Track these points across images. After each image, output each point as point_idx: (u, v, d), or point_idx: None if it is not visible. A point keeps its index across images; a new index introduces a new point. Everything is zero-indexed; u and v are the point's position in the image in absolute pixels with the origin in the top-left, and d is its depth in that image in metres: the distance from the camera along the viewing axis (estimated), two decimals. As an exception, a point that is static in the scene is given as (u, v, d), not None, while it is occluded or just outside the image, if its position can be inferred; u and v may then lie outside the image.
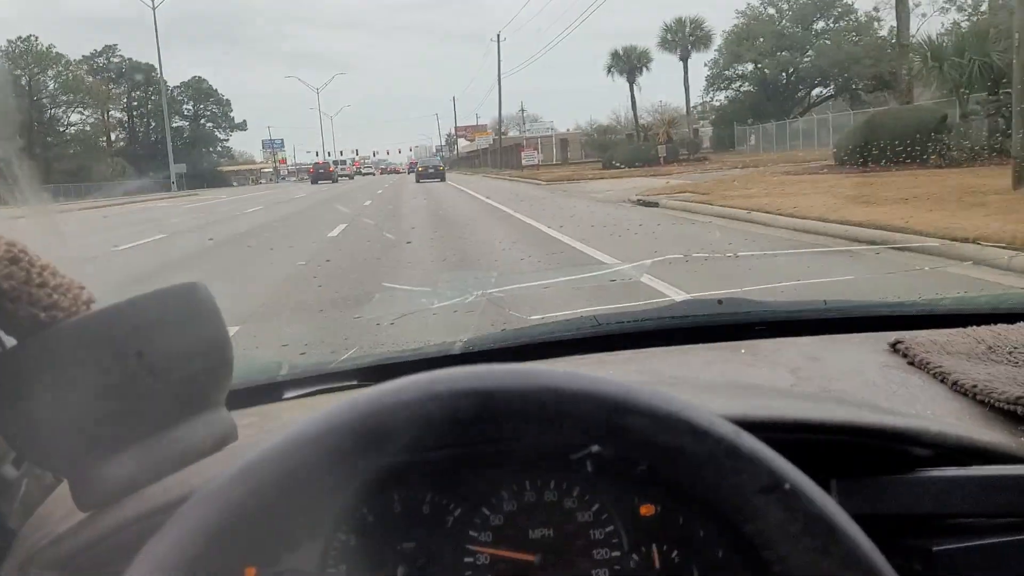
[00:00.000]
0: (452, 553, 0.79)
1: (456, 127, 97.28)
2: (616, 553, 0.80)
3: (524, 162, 46.64)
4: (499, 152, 61.37)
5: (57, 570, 0.71)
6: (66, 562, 0.71)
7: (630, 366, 1.12)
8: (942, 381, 0.92)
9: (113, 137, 73.56)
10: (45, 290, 0.63)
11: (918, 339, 1.04)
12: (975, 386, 0.87)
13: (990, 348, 0.98)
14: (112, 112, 72.29)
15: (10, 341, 0.66)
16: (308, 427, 0.48)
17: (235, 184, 72.13)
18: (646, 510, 0.81)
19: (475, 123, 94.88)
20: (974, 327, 1.07)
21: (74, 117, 68.57)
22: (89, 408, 0.63)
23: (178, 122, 77.60)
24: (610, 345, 1.24)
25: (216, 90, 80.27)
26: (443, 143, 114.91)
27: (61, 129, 67.00)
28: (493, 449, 0.77)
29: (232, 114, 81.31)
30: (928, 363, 0.96)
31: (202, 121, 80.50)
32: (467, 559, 0.79)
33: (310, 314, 5.43)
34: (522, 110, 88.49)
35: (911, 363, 0.99)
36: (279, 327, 5.18)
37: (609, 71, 49.32)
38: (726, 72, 58.50)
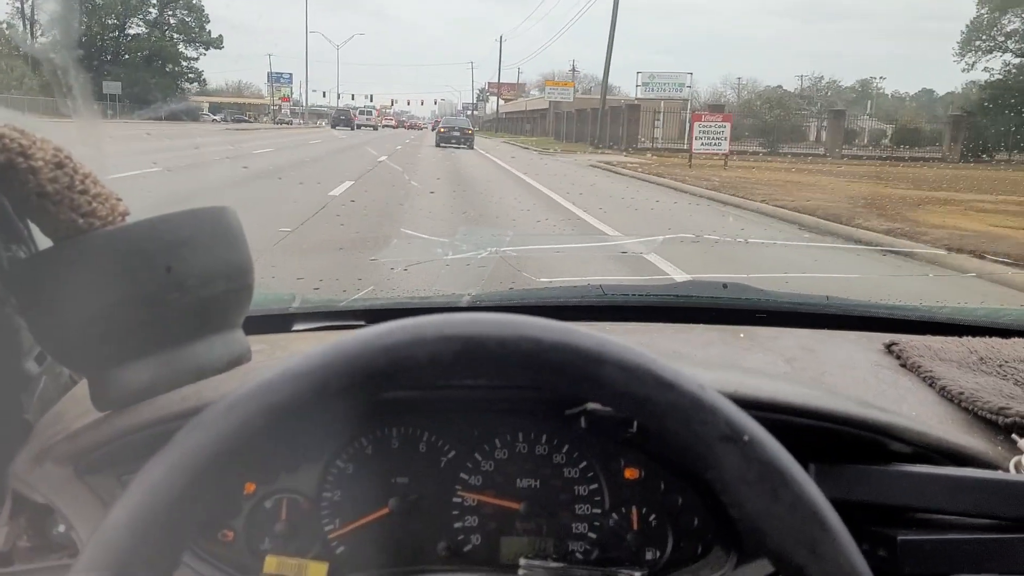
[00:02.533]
0: (442, 492, 0.83)
1: (499, 82, 78.75)
2: (597, 511, 0.84)
3: (698, 146, 21.11)
4: (599, 116, 36.58)
5: (71, 464, 0.74)
6: (79, 457, 0.75)
7: (631, 337, 1.15)
8: (931, 385, 0.95)
9: (40, 36, 43.94)
10: (85, 197, 0.66)
11: (913, 343, 1.06)
12: (961, 393, 0.89)
13: (981, 359, 1.01)
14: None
15: (46, 244, 0.69)
16: (305, 361, 0.51)
17: (210, 119, 48.63)
18: (631, 473, 0.85)
19: (516, 81, 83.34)
20: (969, 337, 1.09)
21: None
22: (116, 314, 0.66)
23: (137, 28, 59.33)
24: (614, 315, 1.27)
25: (191, -10, 58.41)
26: (474, 99, 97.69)
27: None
28: (486, 395, 0.81)
29: (208, 27, 60.35)
30: (919, 367, 0.98)
31: (166, 31, 60.58)
32: (455, 499, 0.83)
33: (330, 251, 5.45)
34: (573, 69, 69.31)
35: (903, 365, 1.02)
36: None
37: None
38: (981, 38, 28.04)
